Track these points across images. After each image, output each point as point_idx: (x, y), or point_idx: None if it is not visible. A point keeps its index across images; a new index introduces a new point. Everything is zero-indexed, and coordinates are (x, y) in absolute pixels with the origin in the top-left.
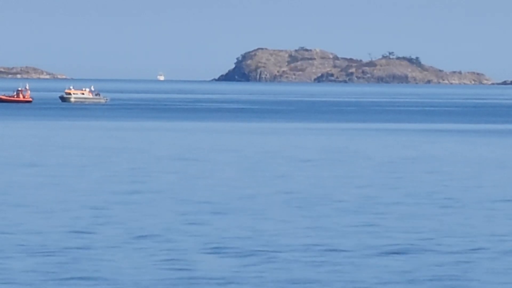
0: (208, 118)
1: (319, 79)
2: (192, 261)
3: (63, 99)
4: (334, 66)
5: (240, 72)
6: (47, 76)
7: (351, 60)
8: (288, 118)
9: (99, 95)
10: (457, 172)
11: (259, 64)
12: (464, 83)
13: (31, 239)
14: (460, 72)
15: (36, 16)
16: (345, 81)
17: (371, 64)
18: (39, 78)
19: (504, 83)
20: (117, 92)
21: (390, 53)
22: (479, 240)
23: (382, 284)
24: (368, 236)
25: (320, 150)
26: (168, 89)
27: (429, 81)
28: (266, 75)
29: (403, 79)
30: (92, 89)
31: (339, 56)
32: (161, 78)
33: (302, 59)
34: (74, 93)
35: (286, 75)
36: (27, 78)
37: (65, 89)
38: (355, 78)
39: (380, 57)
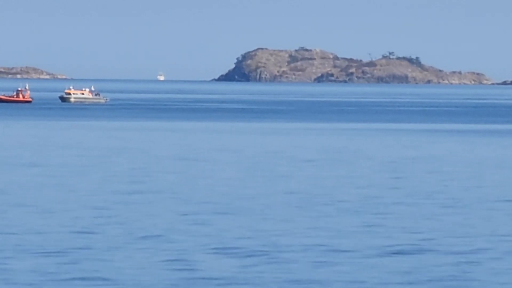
0: (208, 118)
1: (319, 79)
2: (193, 261)
3: (63, 99)
4: (334, 66)
5: (240, 72)
6: (47, 76)
7: (351, 60)
8: (288, 118)
9: (99, 95)
10: (457, 172)
11: (259, 64)
12: (464, 83)
13: (31, 239)
14: (460, 72)
15: (36, 16)
16: (345, 81)
17: (371, 64)
18: (39, 78)
19: (504, 83)
20: (117, 92)
21: (390, 53)
22: (480, 240)
23: (383, 284)
24: (369, 236)
25: (320, 150)
26: (168, 89)
27: (429, 81)
28: (266, 75)
29: (403, 79)
30: (92, 89)
31: (339, 56)
32: (161, 78)
33: (302, 59)
34: (74, 93)
35: (286, 75)
36: (27, 78)
37: (65, 89)
38: (355, 78)
39: (380, 57)
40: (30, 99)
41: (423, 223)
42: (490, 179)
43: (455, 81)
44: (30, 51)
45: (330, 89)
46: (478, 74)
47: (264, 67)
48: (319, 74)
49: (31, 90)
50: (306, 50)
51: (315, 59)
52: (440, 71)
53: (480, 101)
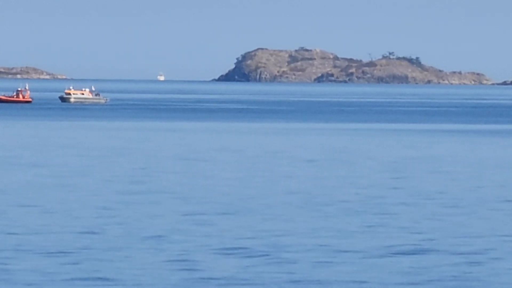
0: (208, 118)
1: (319, 79)
2: (194, 262)
3: (63, 99)
4: (334, 66)
5: (240, 72)
6: (47, 76)
7: (351, 60)
8: (288, 118)
9: (99, 95)
10: (457, 172)
11: (259, 64)
12: (464, 83)
13: (32, 239)
14: (460, 72)
15: (36, 16)
16: (345, 81)
17: (371, 64)
18: (39, 78)
19: (504, 83)
20: (117, 92)
21: (390, 53)
22: (481, 240)
23: (384, 284)
24: (370, 236)
25: (321, 150)
26: (168, 89)
27: (429, 81)
28: (266, 75)
29: (403, 79)
30: (92, 89)
31: (339, 56)
32: (161, 78)
33: (302, 59)
34: (74, 93)
35: (286, 75)
36: (27, 78)
37: (65, 89)
38: (355, 78)
39: (380, 57)
40: (30, 99)
41: (424, 223)
42: (490, 179)
43: (455, 81)
44: (30, 51)
45: (330, 89)
46: (478, 74)
47: (264, 67)
48: (319, 74)
49: (31, 90)
50: (306, 50)
51: (315, 59)
52: (440, 71)
53: (480, 101)
